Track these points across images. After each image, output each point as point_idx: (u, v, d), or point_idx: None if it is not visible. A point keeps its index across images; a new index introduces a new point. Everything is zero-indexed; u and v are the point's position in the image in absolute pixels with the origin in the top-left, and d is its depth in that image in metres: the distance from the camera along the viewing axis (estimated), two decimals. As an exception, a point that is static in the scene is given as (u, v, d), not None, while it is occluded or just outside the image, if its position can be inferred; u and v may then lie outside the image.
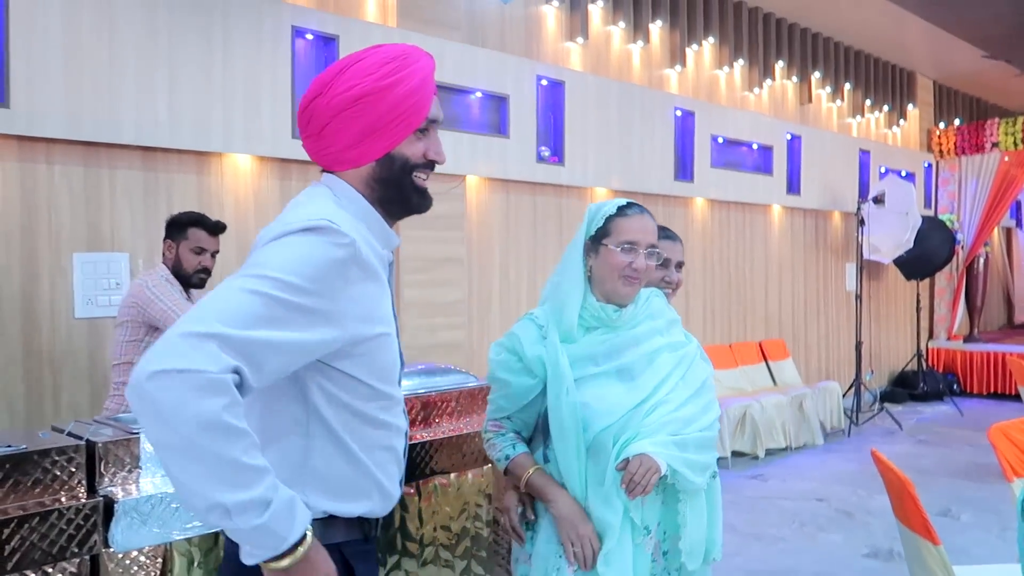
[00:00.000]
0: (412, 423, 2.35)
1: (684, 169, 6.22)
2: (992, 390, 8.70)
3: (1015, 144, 8.89)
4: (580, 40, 5.49)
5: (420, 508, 2.27)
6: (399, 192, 1.38)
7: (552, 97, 5.25)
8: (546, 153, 5.14)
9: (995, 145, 9.03)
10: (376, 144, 1.34)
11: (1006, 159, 9.03)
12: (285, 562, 1.15)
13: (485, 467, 2.44)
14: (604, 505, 1.76)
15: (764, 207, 7.12)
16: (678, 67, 6.26)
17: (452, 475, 2.37)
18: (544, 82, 5.16)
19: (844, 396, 7.17)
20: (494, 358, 1.91)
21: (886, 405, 7.61)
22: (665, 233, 2.30)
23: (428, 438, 2.31)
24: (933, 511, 4.70)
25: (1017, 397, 6.86)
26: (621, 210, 1.89)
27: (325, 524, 1.32)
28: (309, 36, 4.01)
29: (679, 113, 6.19)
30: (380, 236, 1.38)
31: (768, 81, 7.11)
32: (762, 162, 7.01)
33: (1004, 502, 4.77)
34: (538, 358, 1.82)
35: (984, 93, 10.41)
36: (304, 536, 1.17)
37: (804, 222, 7.59)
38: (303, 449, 1.30)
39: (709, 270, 6.61)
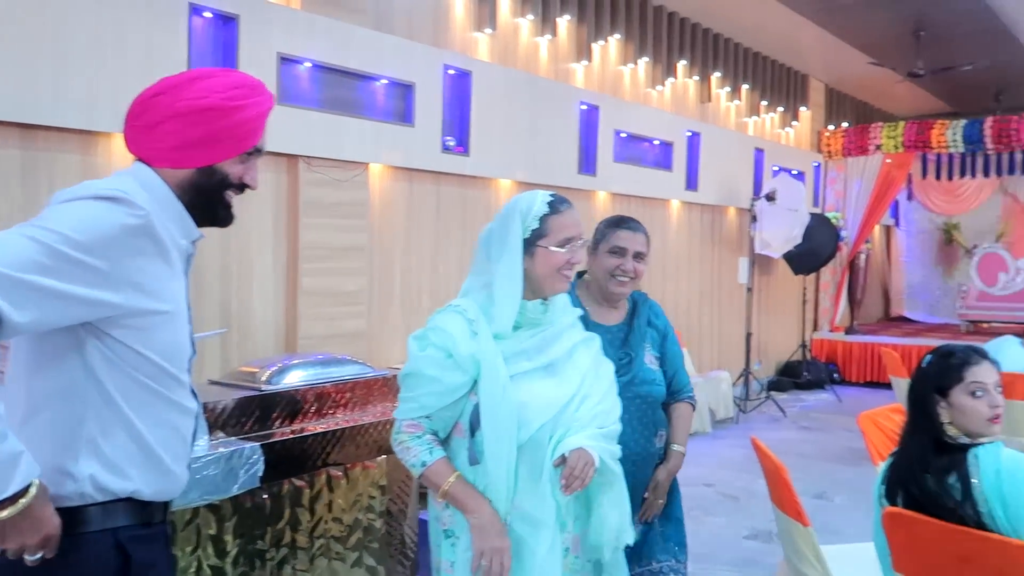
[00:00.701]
0: (305, 414, 2.34)
1: (588, 162, 6.34)
2: (869, 379, 9.26)
3: (896, 147, 9.44)
4: (488, 31, 5.51)
5: (311, 501, 2.26)
6: (208, 202, 1.45)
7: (459, 87, 5.25)
8: (451, 143, 5.14)
9: (878, 147, 9.57)
10: (204, 154, 1.41)
11: (888, 161, 9.59)
12: (4, 512, 1.16)
13: (379, 458, 2.46)
14: (538, 503, 1.78)
15: (664, 202, 7.33)
16: (584, 61, 6.36)
17: (346, 467, 2.38)
18: (451, 71, 5.16)
19: (734, 385, 7.49)
20: (419, 354, 1.82)
21: (772, 393, 8.00)
22: (626, 224, 2.38)
23: (321, 429, 2.31)
24: (810, 494, 5.00)
25: (890, 386, 7.33)
26: (553, 207, 1.87)
27: (104, 509, 1.32)
28: (207, 14, 3.88)
29: (584, 107, 6.29)
30: (179, 224, 1.42)
31: (671, 79, 7.31)
32: (663, 158, 7.21)
33: (873, 484, 5.11)
34: (471, 355, 1.78)
35: (870, 97, 10.99)
36: (27, 489, 1.18)
37: (701, 217, 7.86)
38: (79, 415, 1.31)
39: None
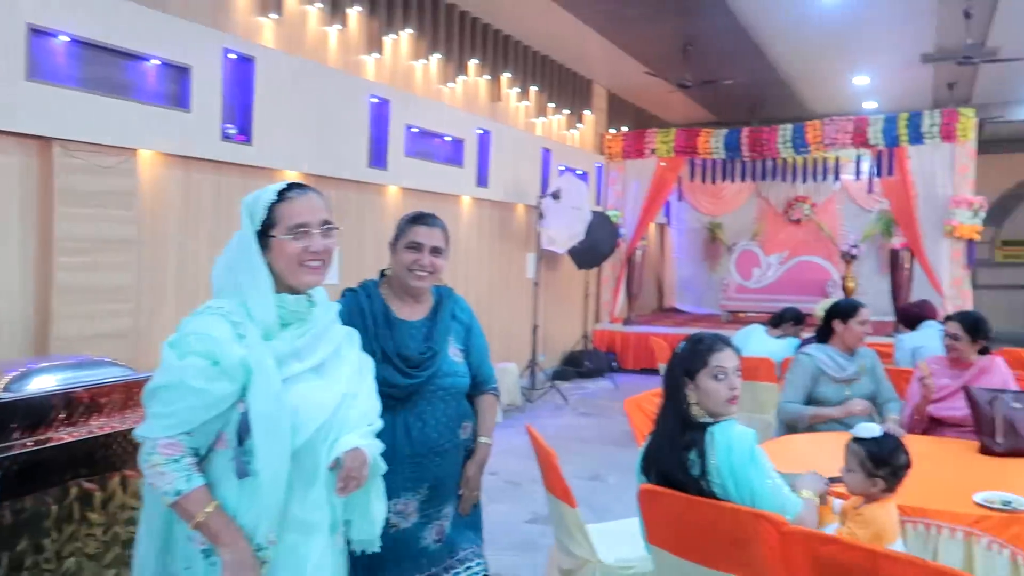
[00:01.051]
0: (51, 423, 2.15)
1: (378, 156, 6.30)
2: (644, 366, 9.95)
3: (668, 152, 10.23)
4: (273, 15, 5.30)
5: (60, 518, 2.08)
6: None
7: (241, 72, 5.02)
8: (232, 131, 4.90)
9: (653, 151, 10.32)
10: None
11: (662, 164, 10.36)
12: None
13: (141, 466, 2.31)
14: (312, 509, 1.74)
15: (455, 198, 7.44)
16: (375, 54, 6.30)
17: (105, 477, 2.21)
18: (232, 56, 4.91)
19: (521, 376, 7.78)
20: (178, 363, 1.64)
21: (556, 382, 8.39)
22: (423, 220, 2.39)
23: (70, 439, 2.12)
24: (587, 476, 5.30)
25: (660, 372, 7.93)
26: (282, 194, 1.77)
27: None
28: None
29: (375, 100, 6.24)
30: None
31: (462, 77, 7.43)
32: (454, 154, 7.32)
33: (643, 464, 5.52)
34: (240, 361, 1.65)
35: (648, 105, 11.81)
36: None
37: (491, 213, 8.07)
38: None
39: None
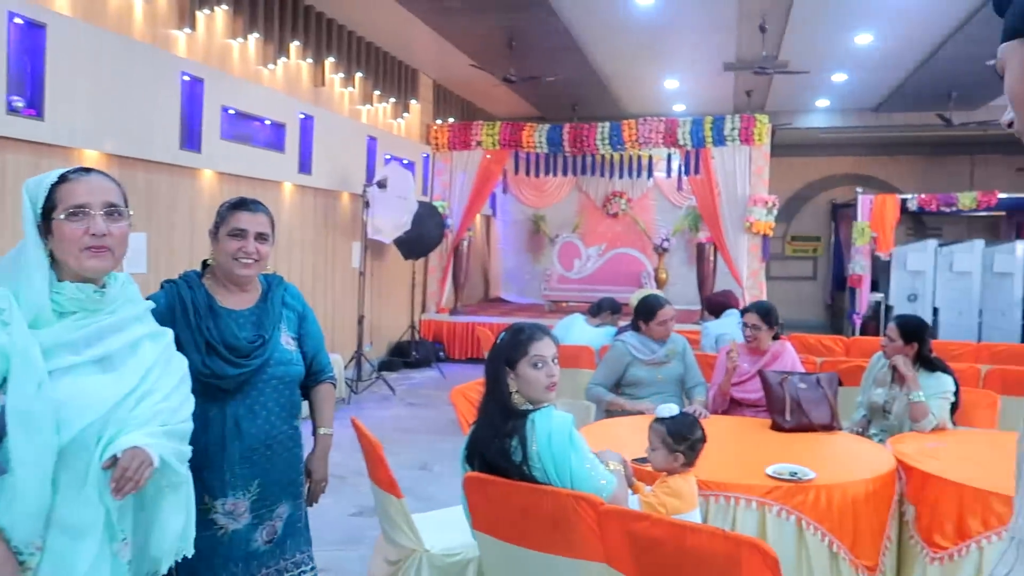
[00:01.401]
0: None
1: (191, 138, 5.93)
2: (470, 355, 10.10)
3: (494, 144, 10.38)
4: (68, -20, 4.85)
5: None
6: None
7: (30, 40, 4.54)
8: (19, 104, 4.44)
9: (479, 144, 10.43)
10: None
11: (487, 157, 10.50)
12: None
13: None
14: (81, 511, 1.59)
15: (276, 184, 7.16)
16: (187, 29, 5.92)
17: None
18: (18, 20, 4.44)
19: (346, 367, 7.64)
20: None
21: (383, 373, 8.31)
22: (246, 205, 2.27)
23: None
24: (415, 466, 5.30)
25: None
26: (65, 176, 1.70)
27: None
28: None
29: (187, 78, 5.87)
30: None
31: (283, 59, 7.15)
32: (275, 139, 7.03)
33: (469, 452, 5.60)
34: (0, 350, 1.54)
35: (473, 97, 11.92)
36: None
37: (315, 201, 7.84)
38: None
39: (217, 244, 6.42)
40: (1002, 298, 10.71)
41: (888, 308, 11.19)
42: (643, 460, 2.82)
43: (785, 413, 3.38)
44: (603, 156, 10.39)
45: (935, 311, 10.58)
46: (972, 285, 10.87)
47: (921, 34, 8.43)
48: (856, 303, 10.99)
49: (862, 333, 10.65)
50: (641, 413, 3.73)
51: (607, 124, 10.02)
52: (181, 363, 1.88)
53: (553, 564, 2.16)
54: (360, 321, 7.92)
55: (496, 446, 2.25)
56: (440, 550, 2.71)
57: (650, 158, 10.54)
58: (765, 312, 3.89)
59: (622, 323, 5.73)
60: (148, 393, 1.73)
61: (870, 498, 2.73)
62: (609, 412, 3.98)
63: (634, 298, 5.45)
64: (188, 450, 1.79)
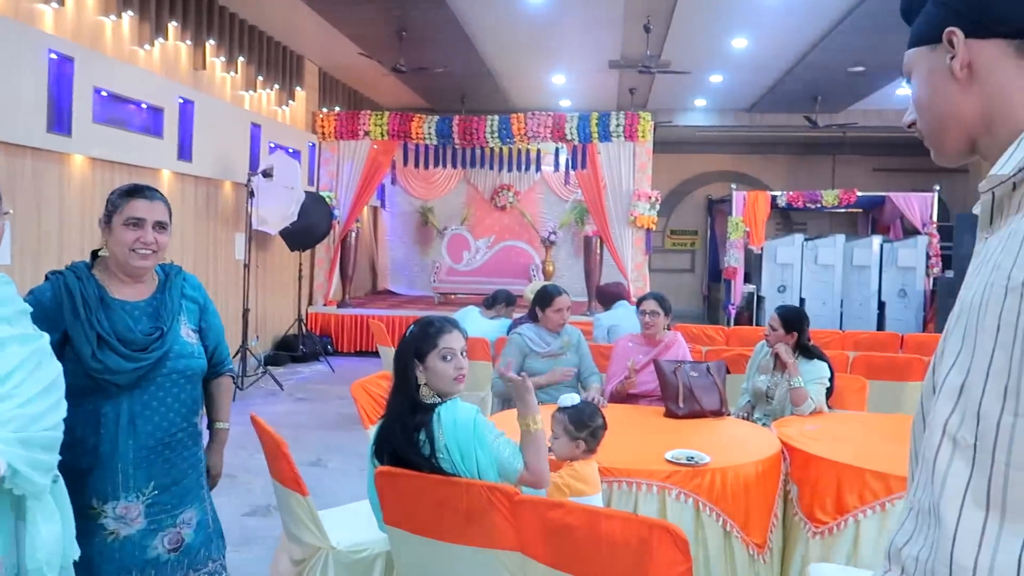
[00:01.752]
0: None
1: (60, 121, 5.55)
2: (359, 348, 9.95)
3: (382, 135, 10.24)
4: (-82, -57, 4.43)
5: None
6: None
7: None
8: None
9: (367, 134, 10.26)
10: None
11: (375, 147, 10.34)
12: None
13: None
14: None
15: (154, 171, 6.80)
16: (54, 4, 5.53)
17: None
18: None
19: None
20: None
21: (270, 368, 8.07)
22: (141, 192, 2.16)
23: None
24: (307, 462, 5.19)
25: (378, 354, 7.97)
26: None
27: None
28: None
29: (54, 57, 5.48)
30: None
31: (160, 40, 6.79)
32: (152, 123, 6.67)
33: (364, 445, 5.50)
34: None
35: (361, 86, 11.71)
36: None
37: (196, 190, 7.50)
38: None
39: (88, 235, 6.04)
40: (860, 289, 11.53)
41: (760, 299, 11.83)
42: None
43: (678, 400, 3.52)
44: (492, 149, 10.44)
45: (802, 301, 11.26)
46: (834, 277, 11.64)
47: (791, 41, 8.93)
48: (731, 294, 11.55)
49: (736, 323, 11.21)
50: (554, 380, 3.87)
51: (496, 117, 10.08)
52: (53, 369, 1.74)
53: (467, 555, 2.17)
54: (245, 315, 7.65)
55: (405, 440, 2.24)
56: (347, 547, 2.67)
57: (538, 152, 10.69)
58: (662, 299, 4.04)
59: (517, 315, 5.79)
60: (6, 397, 1.61)
61: (760, 479, 2.89)
62: (507, 404, 4.03)
63: (528, 290, 5.53)
64: (51, 459, 1.66)
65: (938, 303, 10.84)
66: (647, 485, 2.73)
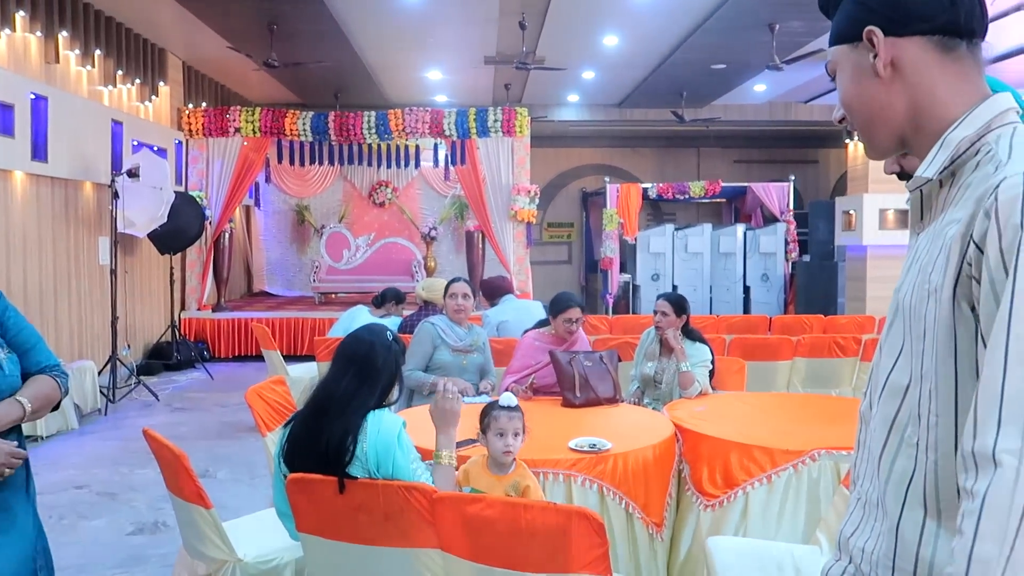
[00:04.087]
0: None
1: None
2: (238, 353, 9.59)
3: (254, 131, 9.89)
4: None
5: None
6: None
7: None
8: None
9: (237, 130, 9.88)
10: None
11: (246, 144, 9.98)
12: None
13: None
14: None
15: (5, 173, 6.30)
16: None
17: None
18: None
19: (100, 374, 6.94)
20: None
21: (142, 378, 7.66)
22: None
23: None
24: (195, 474, 4.96)
25: (260, 358, 7.72)
26: None
27: None
28: None
29: None
30: None
31: (7, 31, 6.29)
32: (1, 121, 6.17)
33: (255, 453, 5.34)
34: None
35: (228, 81, 11.25)
36: None
37: (53, 192, 7.00)
38: None
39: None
40: (727, 275, 12.17)
41: (636, 287, 12.27)
42: (468, 442, 2.90)
43: (575, 390, 3.62)
44: (369, 145, 10.30)
45: (675, 288, 11.76)
46: (703, 264, 12.24)
47: (659, 39, 9.28)
48: (608, 284, 11.92)
49: (614, 312, 11.58)
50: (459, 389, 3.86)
51: (374, 113, 9.95)
52: None
53: (386, 556, 2.16)
54: (114, 323, 7.22)
55: (334, 444, 2.20)
56: (254, 558, 2.60)
57: (417, 148, 10.64)
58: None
59: (407, 312, 5.77)
60: None
61: (657, 461, 3.02)
62: (411, 398, 4.02)
63: (420, 287, 5.52)
64: None
65: (797, 285, 11.60)
66: (554, 474, 2.81)
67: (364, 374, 2.30)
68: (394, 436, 2.25)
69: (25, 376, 2.04)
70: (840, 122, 1.09)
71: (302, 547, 2.35)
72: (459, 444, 2.89)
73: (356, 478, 2.19)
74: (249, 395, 3.47)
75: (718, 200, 14.16)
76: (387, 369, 2.34)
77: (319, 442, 2.22)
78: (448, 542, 2.11)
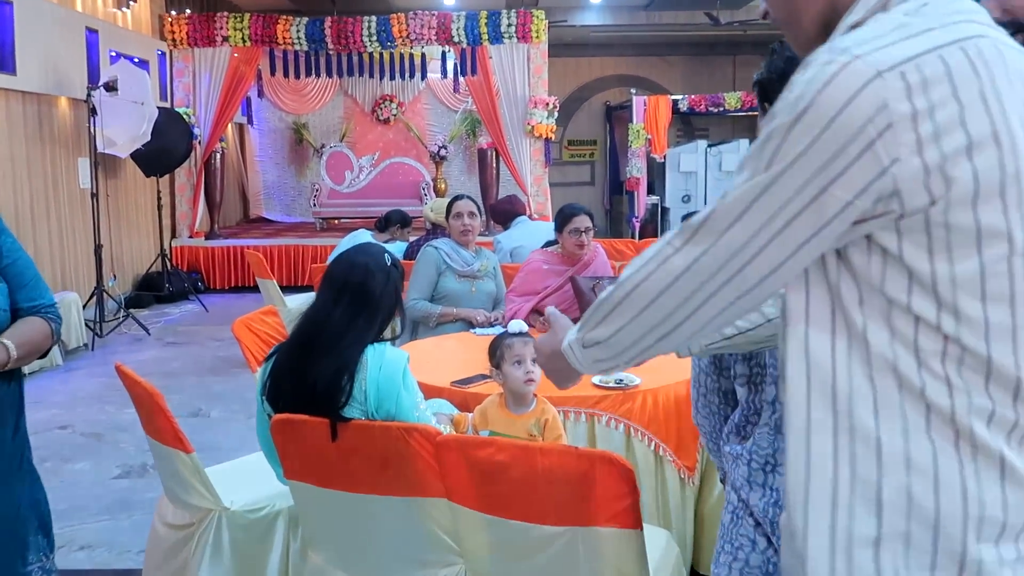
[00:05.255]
0: None
1: None
2: (234, 284, 9.51)
3: (243, 40, 9.58)
4: None
5: None
6: None
7: None
8: None
9: (226, 39, 9.57)
10: None
11: (236, 55, 9.68)
12: None
13: None
14: None
15: (-31, 86, 6.11)
16: None
17: None
18: None
19: (84, 307, 6.87)
20: None
21: (132, 311, 7.59)
22: None
23: None
24: (185, 412, 4.91)
25: (258, 289, 7.62)
26: None
27: None
28: None
29: None
30: None
31: (-38, -75, 6.01)
32: (-39, 28, 5.95)
33: (250, 390, 5.23)
34: None
35: (213, -15, 10.87)
36: None
37: (24, 108, 6.80)
38: None
39: None
40: (765, 195, 11.86)
41: (664, 210, 12.01)
42: (465, 382, 2.76)
43: (598, 319, 3.45)
44: (371, 55, 9.99)
45: (707, 211, 11.48)
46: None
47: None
48: (635, 206, 11.66)
49: (641, 236, 11.36)
50: (476, 321, 3.77)
51: (374, 18, 9.59)
52: None
53: (385, 506, 2.05)
54: (98, 251, 7.11)
55: (325, 383, 2.05)
56: (241, 506, 2.50)
57: (423, 57, 10.32)
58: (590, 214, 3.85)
59: (413, 237, 5.60)
60: None
61: (689, 399, 2.87)
62: (416, 329, 3.89)
63: (428, 208, 5.33)
64: None
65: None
66: (575, 413, 2.68)
67: (360, 303, 2.12)
68: (398, 373, 2.10)
69: (15, 314, 1.94)
70: (764, 17, 1.08)
71: (292, 495, 2.24)
72: (468, 380, 2.77)
73: (350, 420, 2.05)
74: (237, 327, 3.36)
75: (754, 113, 13.70)
76: (387, 297, 2.17)
77: (306, 380, 2.07)
78: (455, 491, 1.98)
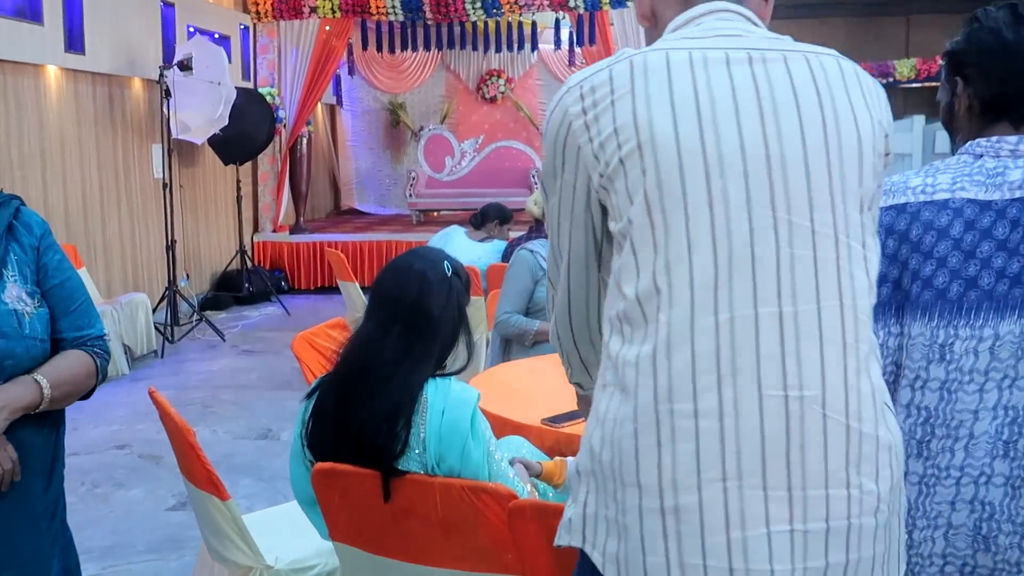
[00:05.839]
0: None
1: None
2: (321, 284, 9.61)
3: (334, 11, 9.64)
4: None
5: None
6: None
7: None
8: None
9: (314, 10, 9.66)
10: None
11: (326, 28, 9.79)
12: None
13: None
14: None
15: (35, 68, 6.35)
16: None
17: None
18: None
19: (155, 310, 7.04)
20: None
21: (206, 313, 7.76)
22: None
23: None
24: (253, 434, 4.89)
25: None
26: None
27: None
28: None
29: None
30: None
31: None
32: (26, 4, 6.18)
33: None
34: None
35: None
36: None
37: (94, 90, 7.04)
38: None
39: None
40: (944, 183, 11.15)
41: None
42: (560, 419, 2.55)
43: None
44: (475, 24, 9.96)
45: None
46: (912, 167, 11.23)
47: None
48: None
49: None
50: None
51: (478, -18, 9.51)
52: None
53: (447, 581, 1.86)
54: (170, 248, 7.29)
55: (374, 428, 1.87)
56: (287, 563, 2.38)
57: (533, 25, 10.21)
58: None
59: (514, 235, 5.44)
60: None
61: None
62: (508, 348, 3.72)
63: (531, 202, 5.14)
64: None
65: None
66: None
67: (415, 327, 1.93)
68: (466, 419, 1.89)
69: (56, 344, 1.85)
70: None
71: (337, 557, 2.09)
72: (557, 419, 2.55)
73: (406, 473, 1.87)
74: (297, 344, 3.27)
75: (933, 84, 12.96)
76: (448, 318, 1.97)
77: (353, 424, 1.90)
78: (532, 568, 1.78)
